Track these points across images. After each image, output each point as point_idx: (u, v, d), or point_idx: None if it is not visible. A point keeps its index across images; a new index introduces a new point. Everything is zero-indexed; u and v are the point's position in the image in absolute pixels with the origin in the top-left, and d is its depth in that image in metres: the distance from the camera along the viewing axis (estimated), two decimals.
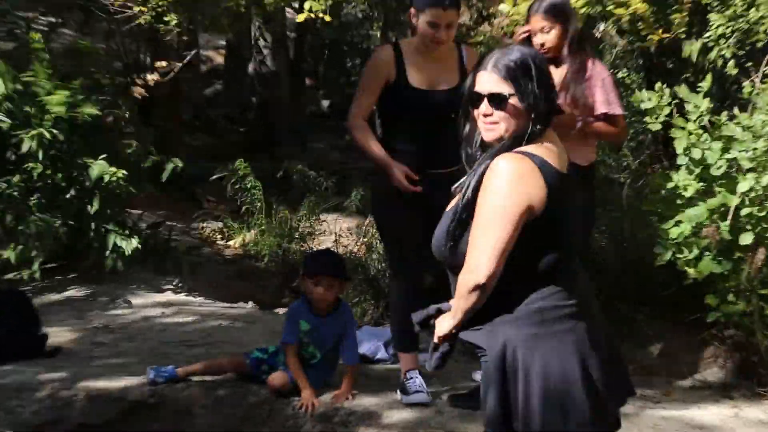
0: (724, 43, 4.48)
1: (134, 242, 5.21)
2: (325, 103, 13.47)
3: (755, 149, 3.53)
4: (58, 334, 4.41)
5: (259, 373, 3.51)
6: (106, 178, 5.10)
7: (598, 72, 3.41)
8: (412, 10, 3.23)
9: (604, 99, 3.35)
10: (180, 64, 7.39)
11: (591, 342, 1.88)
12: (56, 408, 3.52)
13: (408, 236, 3.25)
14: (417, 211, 3.17)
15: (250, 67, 11.22)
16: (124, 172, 5.16)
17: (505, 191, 1.75)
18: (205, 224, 7.52)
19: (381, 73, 3.27)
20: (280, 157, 9.06)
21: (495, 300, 1.83)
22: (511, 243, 1.78)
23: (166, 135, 7.65)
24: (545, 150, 1.86)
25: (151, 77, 8.10)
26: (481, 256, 1.76)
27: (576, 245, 2.16)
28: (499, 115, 1.78)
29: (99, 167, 5.05)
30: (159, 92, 8.28)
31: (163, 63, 7.53)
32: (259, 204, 6.89)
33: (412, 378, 3.35)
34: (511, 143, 1.82)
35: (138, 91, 8.17)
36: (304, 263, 3.89)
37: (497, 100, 1.78)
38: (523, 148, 1.82)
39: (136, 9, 6.03)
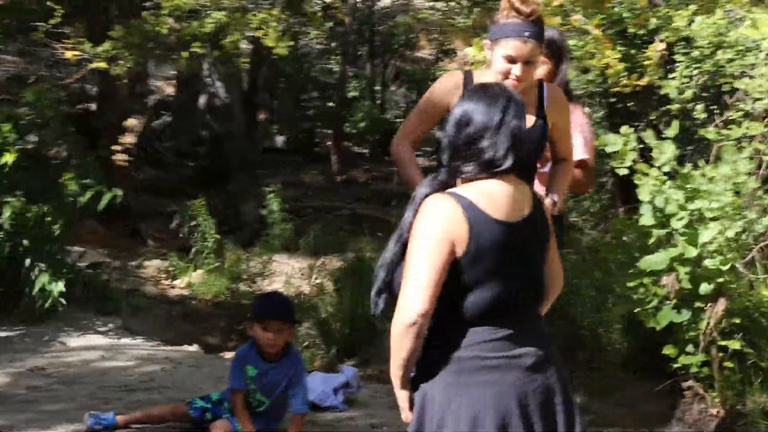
0: (689, 83, 4.61)
1: (60, 285, 5.13)
2: (280, 138, 13.44)
3: (718, 201, 3.61)
4: None
5: (203, 422, 3.44)
6: (30, 216, 5.09)
7: (579, 118, 3.33)
8: (487, 42, 2.92)
9: (582, 146, 3.27)
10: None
11: (518, 396, 1.88)
12: None
13: None
14: None
15: (202, 99, 11.09)
16: (50, 207, 5.18)
17: (426, 231, 1.80)
18: (149, 263, 7.43)
19: (444, 100, 2.94)
20: (233, 193, 9.09)
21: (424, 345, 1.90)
22: (438, 282, 1.79)
23: (110, 168, 7.49)
24: (479, 192, 1.89)
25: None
26: (409, 295, 1.79)
27: (525, 295, 2.06)
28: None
29: (11, 207, 5.02)
30: (104, 123, 8.20)
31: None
32: (209, 242, 6.90)
33: None
34: (445, 180, 1.93)
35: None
36: (253, 305, 3.87)
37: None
38: (455, 189, 1.88)
39: (92, 57, 6.13)
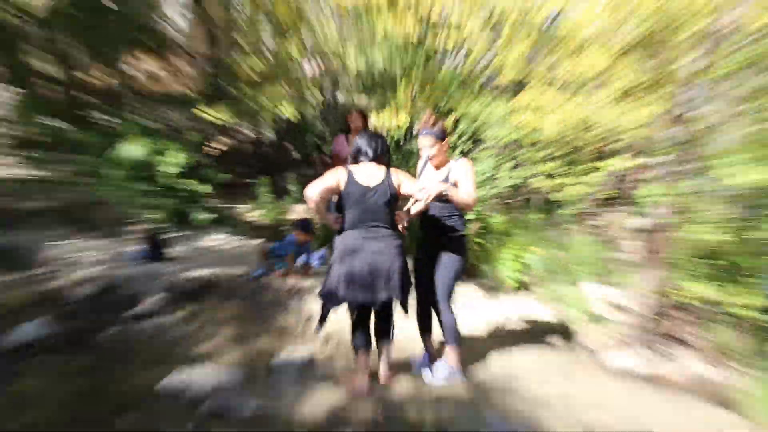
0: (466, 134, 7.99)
1: (207, 215, 9.35)
2: (296, 154, 15.52)
3: (482, 177, 7.58)
4: (177, 251, 7.94)
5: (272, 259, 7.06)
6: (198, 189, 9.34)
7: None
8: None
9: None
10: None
11: (359, 250, 4.16)
12: (172, 283, 6.89)
13: None
14: None
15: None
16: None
17: (327, 174, 4.04)
18: (243, 206, 11.18)
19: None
20: (276, 178, 12.25)
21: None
22: (323, 190, 4.16)
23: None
24: (357, 168, 4.19)
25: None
26: (310, 187, 4.12)
27: (366, 217, 4.21)
28: None
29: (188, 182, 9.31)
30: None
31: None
32: (268, 197, 10.66)
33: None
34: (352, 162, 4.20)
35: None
36: (294, 223, 7.50)
37: None
38: (351, 166, 4.13)
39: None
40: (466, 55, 8.70)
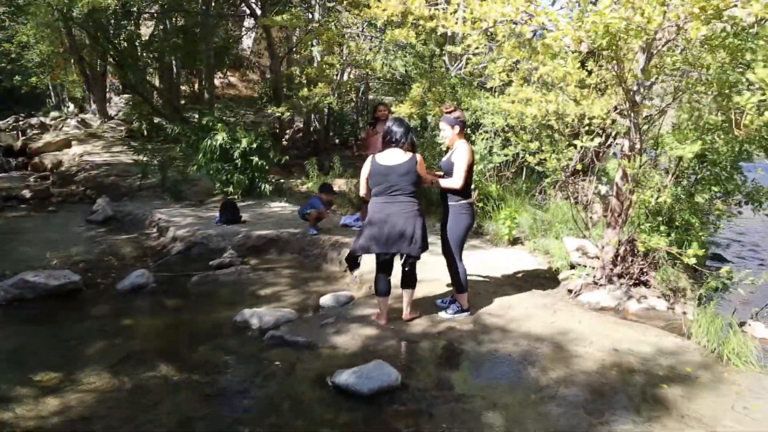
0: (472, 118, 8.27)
1: (269, 187, 9.42)
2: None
3: (480, 155, 7.51)
4: (244, 216, 7.89)
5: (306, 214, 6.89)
6: (259, 162, 9.35)
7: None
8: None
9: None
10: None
11: (378, 218, 4.10)
12: (244, 240, 7.06)
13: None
14: None
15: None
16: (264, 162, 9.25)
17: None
18: (295, 180, 11.36)
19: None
20: (322, 158, 12.78)
21: None
22: (365, 183, 4.19)
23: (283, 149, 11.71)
24: (382, 153, 4.12)
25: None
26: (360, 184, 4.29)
27: (390, 189, 4.11)
28: None
29: (255, 160, 9.29)
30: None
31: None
32: (313, 172, 10.89)
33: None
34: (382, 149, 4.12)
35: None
36: (320, 188, 7.44)
37: None
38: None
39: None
40: (467, 62, 8.55)
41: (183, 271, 6.15)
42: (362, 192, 4.30)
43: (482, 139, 7.35)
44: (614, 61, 3.89)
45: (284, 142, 11.90)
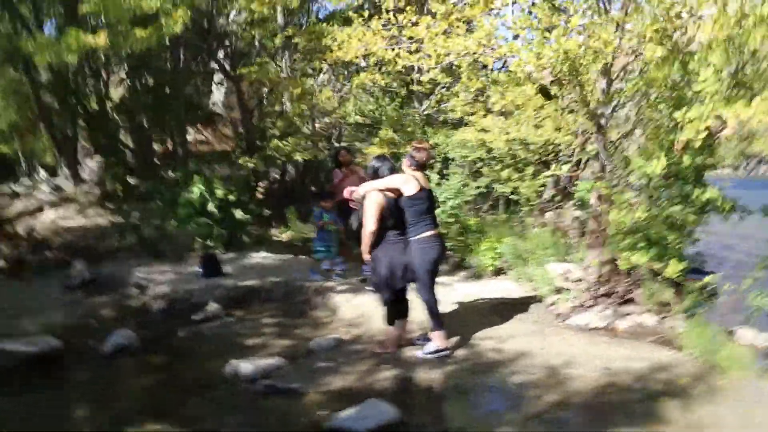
0: None
1: (249, 240, 9.41)
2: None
3: (450, 191, 7.61)
4: (226, 268, 7.75)
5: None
6: (240, 215, 9.34)
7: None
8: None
9: None
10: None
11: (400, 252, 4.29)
12: (226, 293, 6.97)
13: None
14: None
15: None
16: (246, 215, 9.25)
17: None
18: (275, 230, 11.31)
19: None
20: (298, 206, 12.60)
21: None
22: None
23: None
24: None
25: None
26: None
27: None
28: None
29: (237, 213, 9.29)
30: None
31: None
32: (292, 220, 10.90)
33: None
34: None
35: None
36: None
37: None
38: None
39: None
40: (432, 98, 8.78)
41: (165, 328, 6.02)
42: (373, 227, 4.29)
43: (454, 173, 7.46)
44: (576, 87, 4.03)
45: (259, 195, 11.84)
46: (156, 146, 17.54)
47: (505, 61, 4.35)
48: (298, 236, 10.32)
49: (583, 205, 6.87)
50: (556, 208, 7.22)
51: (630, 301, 5.57)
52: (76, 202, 14.13)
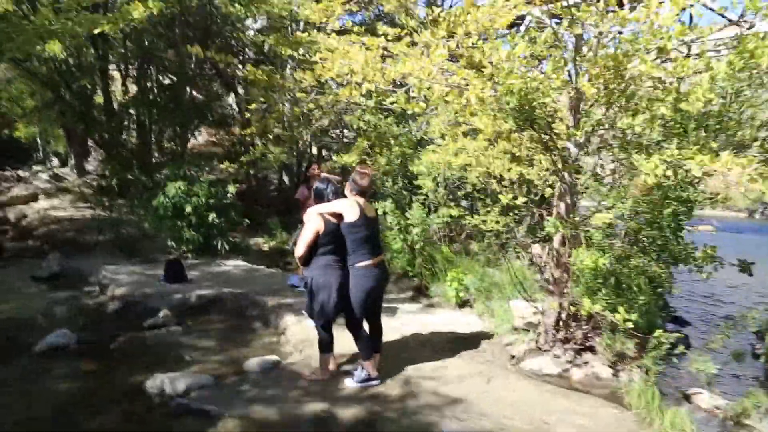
0: None
1: (226, 245, 9.26)
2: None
3: (417, 220, 7.39)
4: (192, 274, 7.84)
5: None
6: (216, 221, 9.22)
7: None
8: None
9: None
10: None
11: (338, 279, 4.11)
12: (182, 300, 6.83)
13: None
14: None
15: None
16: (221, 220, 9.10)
17: None
18: (255, 239, 11.18)
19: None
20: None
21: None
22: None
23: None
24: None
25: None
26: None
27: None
28: None
29: (211, 217, 9.15)
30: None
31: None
32: (275, 230, 10.79)
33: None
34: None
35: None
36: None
37: None
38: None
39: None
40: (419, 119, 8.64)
41: (111, 331, 5.86)
42: (301, 252, 4.26)
43: (418, 201, 7.28)
44: (527, 122, 3.81)
45: (246, 197, 11.74)
46: (167, 145, 17.63)
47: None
48: (280, 246, 10.08)
49: (547, 242, 6.59)
50: (533, 242, 6.95)
51: (589, 348, 5.26)
52: (72, 193, 14.23)
